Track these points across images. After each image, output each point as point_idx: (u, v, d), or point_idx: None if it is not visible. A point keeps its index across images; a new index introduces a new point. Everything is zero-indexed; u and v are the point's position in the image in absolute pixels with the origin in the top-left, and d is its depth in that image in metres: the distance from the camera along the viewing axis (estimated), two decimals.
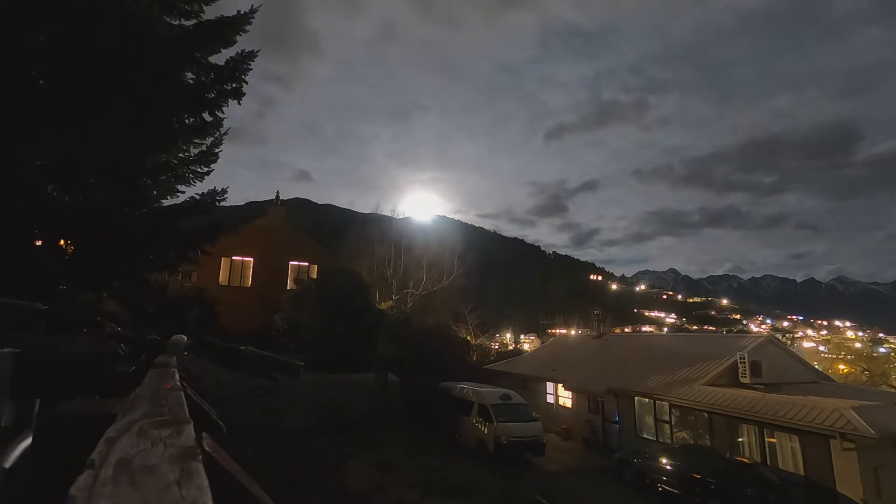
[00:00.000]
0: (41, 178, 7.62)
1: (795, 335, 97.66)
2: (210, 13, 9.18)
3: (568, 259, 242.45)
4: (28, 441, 0.93)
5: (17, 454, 0.91)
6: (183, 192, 9.98)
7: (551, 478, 13.75)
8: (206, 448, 0.48)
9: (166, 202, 9.96)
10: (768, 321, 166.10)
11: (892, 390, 24.63)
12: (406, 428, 16.45)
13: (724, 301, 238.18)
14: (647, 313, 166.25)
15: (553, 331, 55.49)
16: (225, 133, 9.79)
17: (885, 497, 10.86)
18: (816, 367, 21.43)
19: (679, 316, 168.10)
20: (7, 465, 0.88)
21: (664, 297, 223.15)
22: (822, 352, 48.13)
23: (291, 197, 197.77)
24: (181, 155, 9.73)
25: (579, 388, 19.67)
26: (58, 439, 0.89)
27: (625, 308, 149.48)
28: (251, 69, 9.31)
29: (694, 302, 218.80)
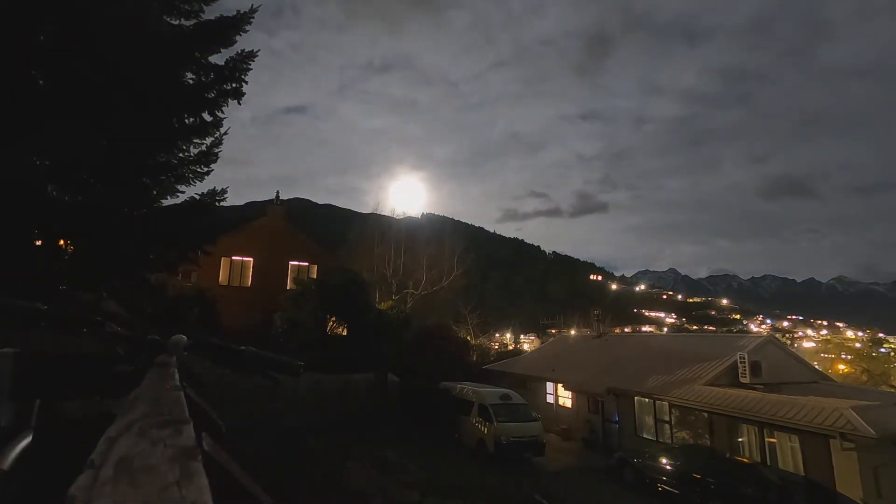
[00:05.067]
0: (41, 178, 7.61)
1: (795, 335, 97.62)
2: (210, 13, 9.19)
3: (568, 259, 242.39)
4: (28, 441, 0.93)
5: (17, 454, 0.91)
6: (183, 192, 9.97)
7: (551, 478, 13.75)
8: (206, 448, 0.48)
9: (166, 202, 9.94)
10: (768, 321, 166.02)
11: (892, 390, 24.64)
12: (406, 428, 16.45)
13: (724, 301, 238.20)
14: (647, 313, 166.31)
15: (553, 331, 55.48)
16: (225, 133, 9.78)
17: (885, 497, 10.86)
18: (816, 367, 21.43)
19: (679, 316, 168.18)
20: (7, 465, 0.88)
21: (664, 297, 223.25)
22: (819, 352, 48.15)
23: (291, 197, 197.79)
24: (181, 155, 9.72)
25: (579, 388, 19.67)
26: (58, 439, 0.89)
27: (625, 308, 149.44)
28: (251, 69, 9.31)
29: (694, 302, 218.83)
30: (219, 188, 9.75)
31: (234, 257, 23.21)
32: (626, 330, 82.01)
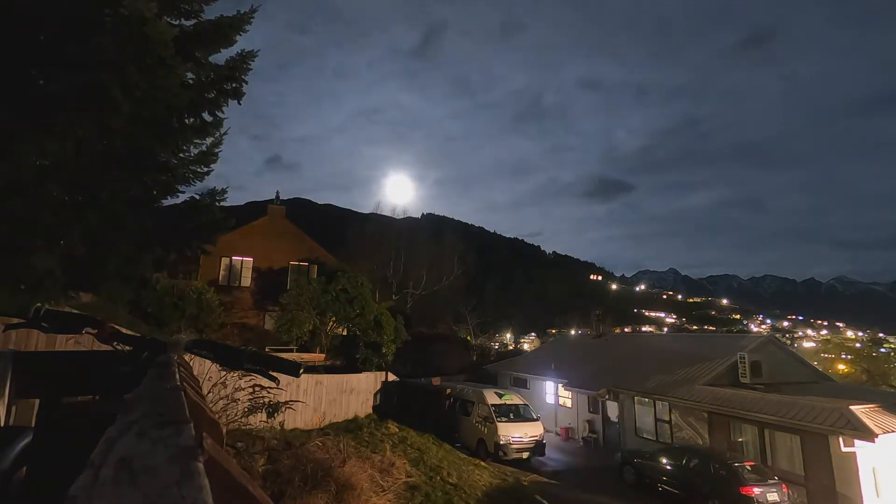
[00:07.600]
0: (41, 178, 7.61)
1: (795, 335, 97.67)
2: (210, 13, 9.19)
3: (568, 259, 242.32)
4: (28, 441, 0.94)
5: (17, 454, 0.91)
6: (183, 192, 9.96)
7: (551, 478, 13.75)
8: (206, 448, 0.48)
9: (166, 202, 9.94)
10: (768, 321, 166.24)
11: (893, 390, 24.63)
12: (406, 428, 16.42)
13: (724, 301, 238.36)
14: (647, 313, 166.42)
15: (553, 331, 55.44)
16: (225, 133, 9.78)
17: (885, 497, 10.87)
18: (816, 367, 21.43)
19: (679, 316, 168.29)
20: (7, 465, 0.88)
21: (664, 297, 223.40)
22: (819, 352, 48.12)
23: (291, 197, 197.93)
24: (181, 155, 9.72)
25: (579, 388, 19.68)
26: (58, 439, 0.89)
27: (625, 308, 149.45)
28: (251, 69, 9.31)
29: (694, 302, 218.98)
30: (219, 188, 9.76)
31: (233, 257, 23.22)
32: (626, 330, 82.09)
